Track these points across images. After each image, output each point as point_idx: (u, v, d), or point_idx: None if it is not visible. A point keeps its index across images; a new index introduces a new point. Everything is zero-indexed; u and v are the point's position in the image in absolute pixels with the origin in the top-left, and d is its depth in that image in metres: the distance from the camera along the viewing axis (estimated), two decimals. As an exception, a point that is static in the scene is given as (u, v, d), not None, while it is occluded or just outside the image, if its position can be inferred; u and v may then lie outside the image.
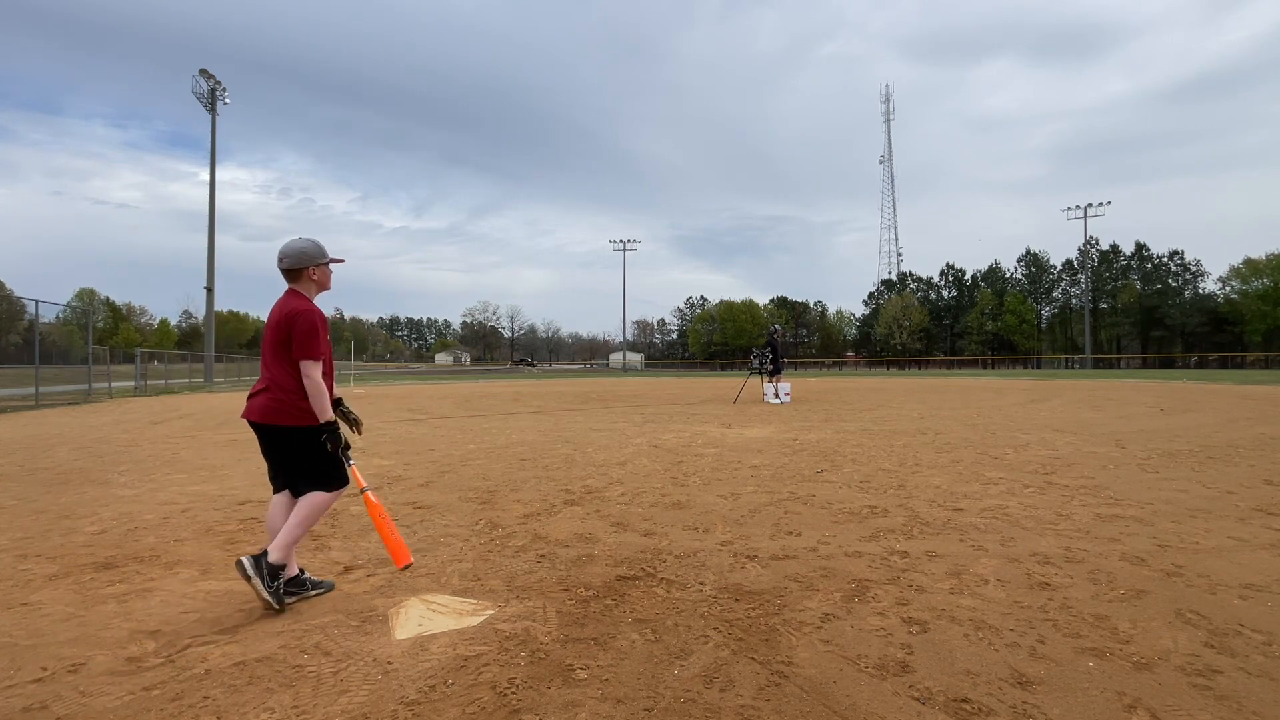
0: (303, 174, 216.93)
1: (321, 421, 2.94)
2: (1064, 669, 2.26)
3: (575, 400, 17.90)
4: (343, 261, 3.23)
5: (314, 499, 2.96)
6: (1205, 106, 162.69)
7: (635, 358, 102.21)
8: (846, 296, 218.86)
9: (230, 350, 64.69)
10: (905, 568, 3.35)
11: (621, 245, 79.86)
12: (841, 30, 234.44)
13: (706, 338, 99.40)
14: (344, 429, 3.14)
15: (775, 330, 16.30)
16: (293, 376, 2.92)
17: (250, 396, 3.01)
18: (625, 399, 18.38)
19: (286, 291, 3.05)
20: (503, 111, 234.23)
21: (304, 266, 3.03)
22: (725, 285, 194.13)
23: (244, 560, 2.79)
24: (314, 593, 3.06)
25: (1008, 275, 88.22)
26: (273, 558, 2.82)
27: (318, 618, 2.77)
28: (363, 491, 3.08)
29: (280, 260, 3.03)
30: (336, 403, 3.16)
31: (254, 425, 3.00)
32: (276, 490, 3.07)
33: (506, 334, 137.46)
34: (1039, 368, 73.58)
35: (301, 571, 3.10)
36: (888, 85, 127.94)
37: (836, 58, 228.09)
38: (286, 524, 2.90)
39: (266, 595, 2.78)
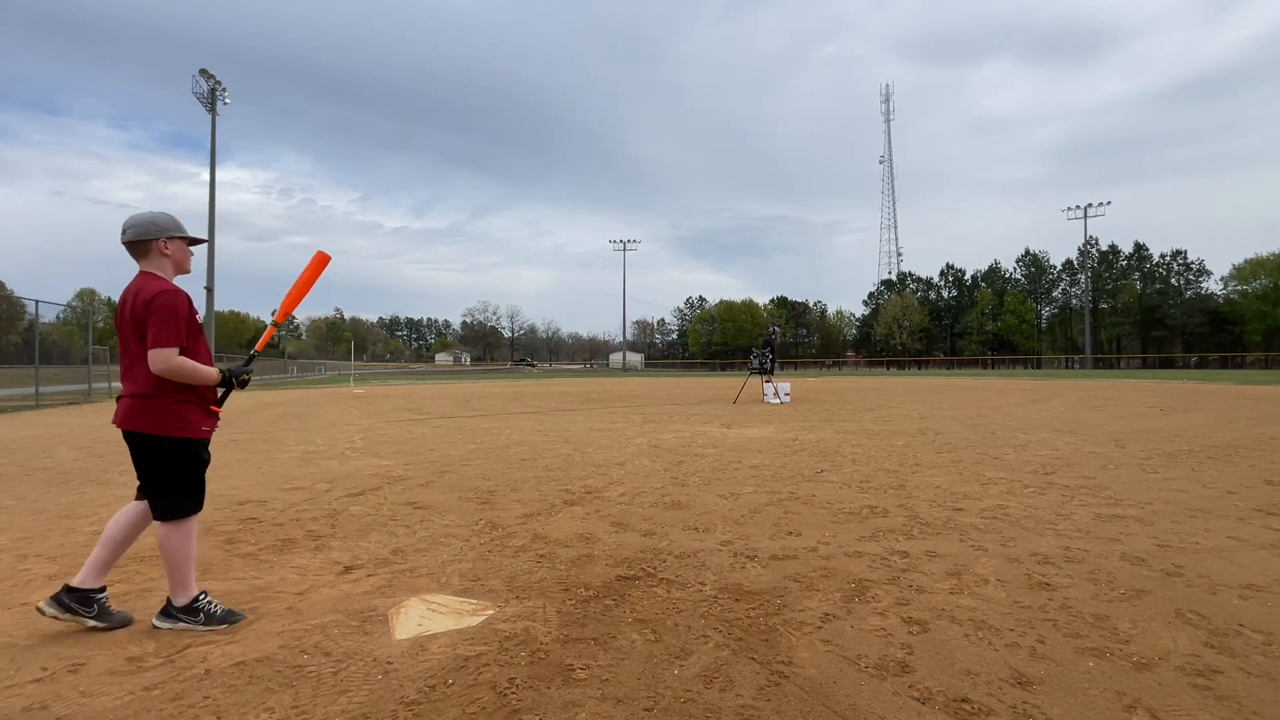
0: (303, 174, 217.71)
1: (216, 380, 2.65)
2: (1064, 669, 2.26)
3: (575, 400, 17.89)
4: (204, 242, 2.87)
5: (167, 539, 2.63)
6: (1205, 107, 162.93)
7: (635, 358, 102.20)
8: (846, 296, 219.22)
9: (230, 350, 64.69)
10: (905, 568, 3.35)
11: (621, 245, 79.87)
12: (841, 31, 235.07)
13: (706, 338, 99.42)
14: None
15: (774, 332, 16.31)
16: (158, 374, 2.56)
17: (119, 399, 2.67)
18: (625, 399, 18.38)
19: (138, 274, 2.65)
20: (503, 112, 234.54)
21: (152, 238, 2.63)
22: (725, 285, 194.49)
23: (43, 605, 2.55)
24: (90, 622, 2.60)
25: (1007, 275, 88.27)
26: (79, 581, 2.54)
27: (318, 618, 2.76)
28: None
29: (123, 232, 2.62)
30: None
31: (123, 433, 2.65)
32: (139, 498, 2.73)
33: (506, 334, 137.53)
34: (1039, 368, 73.58)
35: (101, 589, 2.65)
36: (887, 85, 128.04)
37: (836, 58, 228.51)
38: (170, 566, 2.62)
39: (94, 623, 2.56)
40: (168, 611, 2.67)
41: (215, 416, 2.79)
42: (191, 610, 2.66)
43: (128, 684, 2.21)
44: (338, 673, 2.27)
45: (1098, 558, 3.47)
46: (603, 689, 2.15)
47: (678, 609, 2.83)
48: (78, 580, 2.61)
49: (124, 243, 2.65)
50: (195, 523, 2.74)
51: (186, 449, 2.65)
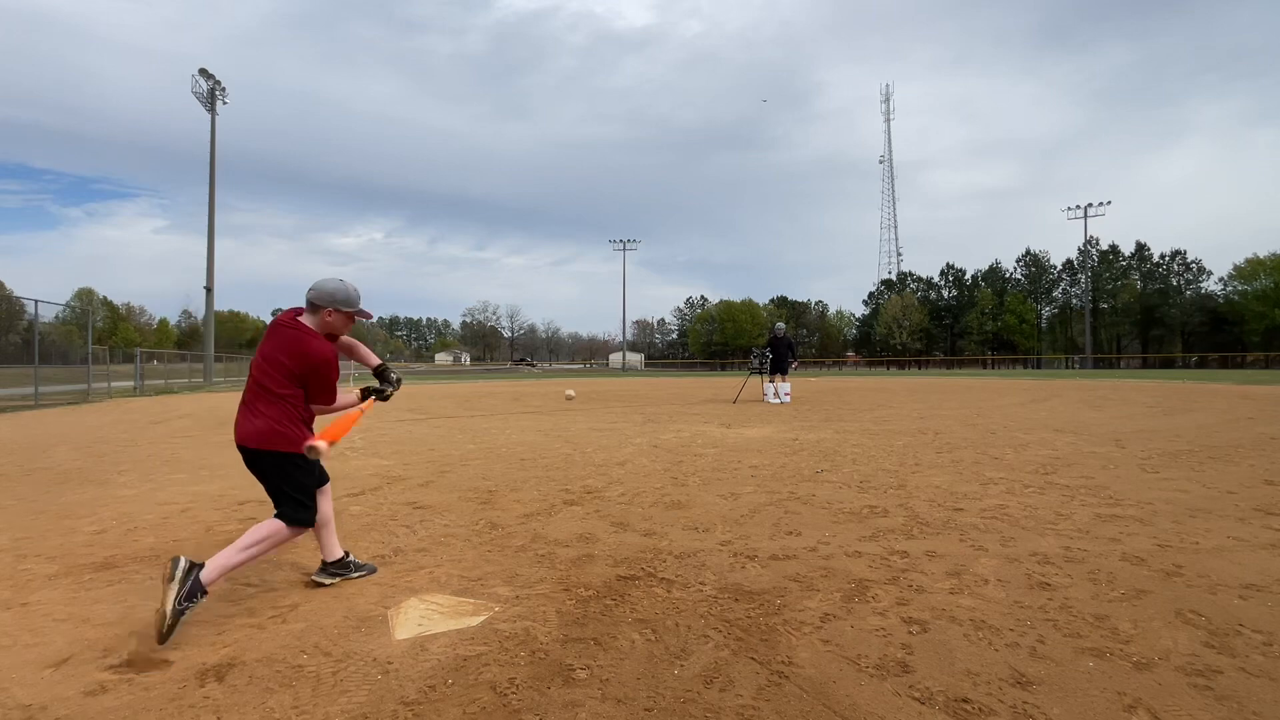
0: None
1: (357, 401, 3.25)
2: (1064, 669, 2.26)
3: (575, 400, 17.89)
4: (370, 318, 3.30)
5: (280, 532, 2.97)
6: (1205, 106, 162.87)
7: (635, 358, 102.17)
8: (846, 296, 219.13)
9: (230, 350, 64.70)
10: (905, 568, 3.34)
11: (621, 245, 79.89)
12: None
13: (706, 338, 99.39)
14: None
15: (780, 329, 16.07)
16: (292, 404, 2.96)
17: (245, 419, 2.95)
18: (625, 399, 18.38)
19: (296, 317, 3.02)
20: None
21: (324, 306, 3.01)
22: (725, 285, 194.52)
23: (180, 560, 2.57)
24: (356, 575, 3.22)
25: (1008, 275, 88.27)
26: (206, 574, 2.64)
27: (318, 618, 2.76)
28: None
29: (309, 290, 3.04)
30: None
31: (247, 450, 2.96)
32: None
33: (506, 334, 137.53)
34: (1039, 368, 73.56)
35: (346, 554, 3.26)
36: (888, 85, 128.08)
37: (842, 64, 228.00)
38: (236, 545, 2.79)
39: (168, 607, 2.48)
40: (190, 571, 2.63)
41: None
42: (194, 593, 2.62)
43: (127, 684, 2.21)
44: (337, 673, 2.27)
45: (1098, 558, 3.47)
46: (603, 689, 2.15)
47: (678, 609, 2.83)
48: (329, 557, 3.21)
49: (309, 299, 3.03)
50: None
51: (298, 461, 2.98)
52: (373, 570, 3.32)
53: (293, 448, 2.88)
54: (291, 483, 2.95)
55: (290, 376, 2.92)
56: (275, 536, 2.91)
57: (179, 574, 2.55)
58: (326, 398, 3.03)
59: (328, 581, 3.14)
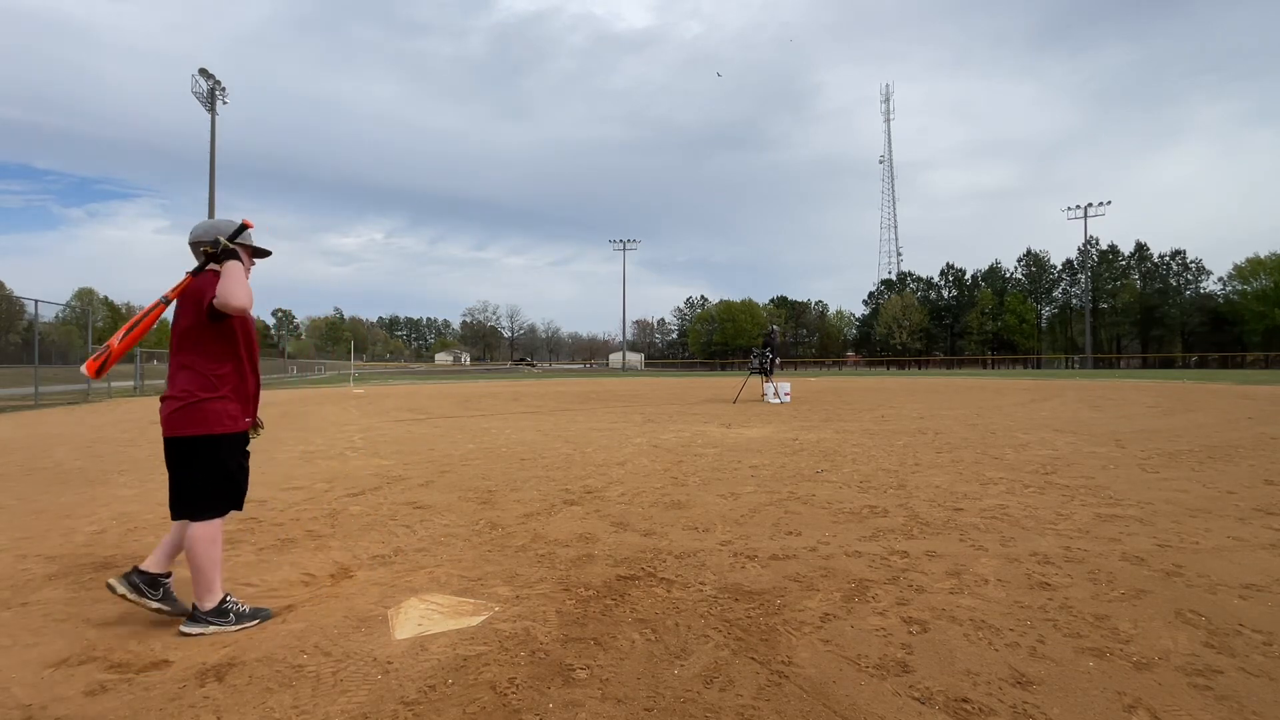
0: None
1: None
2: (1064, 669, 2.26)
3: (575, 400, 17.89)
4: (269, 254, 2.90)
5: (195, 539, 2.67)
6: (1207, 105, 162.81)
7: (635, 358, 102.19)
8: (846, 296, 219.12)
9: (230, 350, 64.49)
10: (905, 568, 3.34)
11: (621, 245, 79.91)
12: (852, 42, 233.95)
13: (706, 338, 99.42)
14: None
15: (774, 331, 16.34)
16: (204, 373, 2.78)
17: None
18: (625, 399, 18.38)
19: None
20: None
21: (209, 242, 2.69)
22: (725, 285, 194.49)
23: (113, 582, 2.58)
24: (154, 605, 2.67)
25: (1008, 275, 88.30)
26: (204, 606, 2.62)
27: (317, 618, 2.76)
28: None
29: (192, 239, 2.72)
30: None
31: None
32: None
33: (506, 334, 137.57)
34: (1039, 367, 73.61)
35: (167, 575, 2.74)
36: (888, 85, 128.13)
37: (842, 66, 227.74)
38: (193, 570, 2.62)
39: (159, 606, 2.64)
40: (195, 617, 2.64)
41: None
42: (221, 612, 2.67)
43: (127, 684, 2.21)
44: (337, 673, 2.26)
45: (1098, 558, 3.47)
46: (603, 689, 2.15)
47: (678, 609, 2.83)
48: (146, 564, 2.73)
49: (189, 243, 2.75)
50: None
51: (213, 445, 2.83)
52: (268, 615, 2.76)
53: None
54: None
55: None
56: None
57: (124, 591, 2.62)
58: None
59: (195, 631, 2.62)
